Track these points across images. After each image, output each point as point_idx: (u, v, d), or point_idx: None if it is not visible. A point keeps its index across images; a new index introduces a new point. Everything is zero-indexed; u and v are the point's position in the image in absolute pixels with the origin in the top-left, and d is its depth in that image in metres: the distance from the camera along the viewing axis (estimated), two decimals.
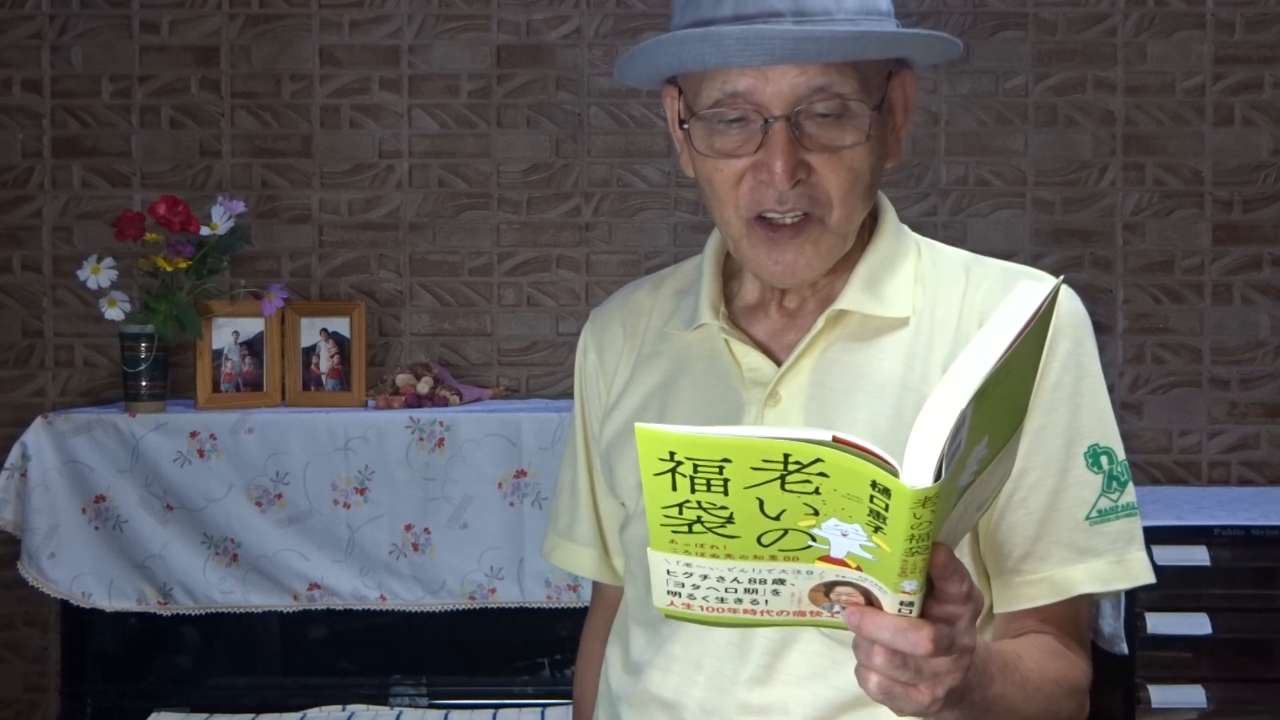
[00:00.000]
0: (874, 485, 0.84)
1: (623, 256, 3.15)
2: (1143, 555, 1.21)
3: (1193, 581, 2.61)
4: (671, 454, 0.86)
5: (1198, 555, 2.59)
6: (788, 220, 1.18)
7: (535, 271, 3.15)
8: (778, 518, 0.88)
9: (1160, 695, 2.61)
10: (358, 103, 3.13)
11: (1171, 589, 2.57)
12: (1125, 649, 2.55)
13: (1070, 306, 1.22)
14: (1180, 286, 3.14)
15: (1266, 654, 2.67)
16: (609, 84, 3.13)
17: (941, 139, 3.13)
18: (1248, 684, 2.66)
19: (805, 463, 0.84)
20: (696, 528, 0.90)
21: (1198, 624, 2.60)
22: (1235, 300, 3.13)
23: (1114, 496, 1.21)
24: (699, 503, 0.88)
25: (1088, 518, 1.20)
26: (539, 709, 2.62)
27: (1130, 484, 1.23)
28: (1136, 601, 2.59)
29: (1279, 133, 3.13)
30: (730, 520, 0.89)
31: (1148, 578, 1.21)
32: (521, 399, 3.09)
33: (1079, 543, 1.20)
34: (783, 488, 0.86)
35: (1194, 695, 2.61)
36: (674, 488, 0.87)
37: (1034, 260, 3.06)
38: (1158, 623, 2.61)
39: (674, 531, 0.90)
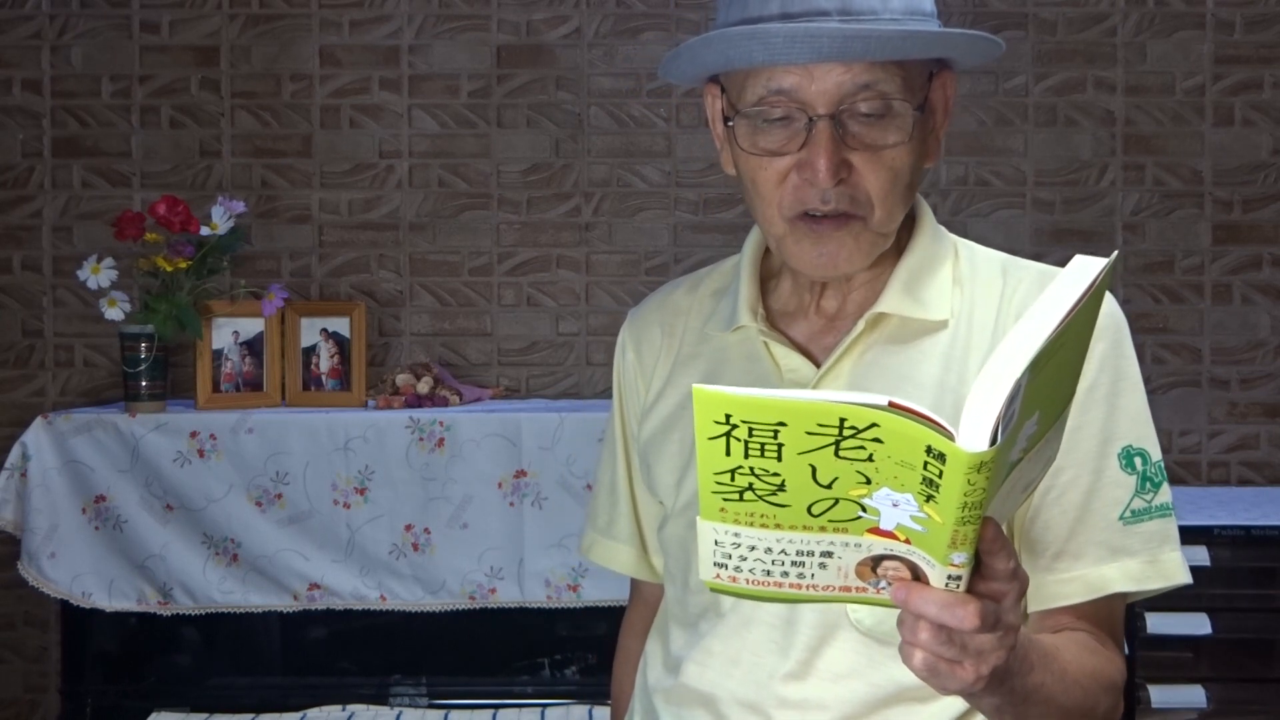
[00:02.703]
0: (929, 451, 0.84)
1: (623, 256, 3.15)
2: (1177, 556, 1.22)
3: (1193, 581, 2.61)
4: (728, 417, 0.86)
5: (1198, 555, 2.59)
6: (831, 212, 1.19)
7: (535, 271, 3.15)
8: (829, 486, 0.88)
9: (1160, 695, 2.61)
10: (358, 103, 3.13)
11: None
12: (1125, 649, 2.55)
13: (1107, 309, 1.22)
14: (1180, 286, 3.14)
15: (1266, 654, 2.67)
16: (609, 84, 3.13)
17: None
18: (1248, 684, 2.66)
19: (861, 428, 0.84)
20: (747, 495, 0.89)
21: (1198, 624, 2.60)
22: (1235, 300, 3.13)
23: (1148, 497, 1.22)
24: (751, 469, 0.88)
25: (1121, 518, 1.21)
26: (539, 709, 2.62)
27: (1165, 485, 1.23)
28: (1137, 601, 2.59)
29: (1279, 133, 3.13)
30: (782, 488, 0.89)
31: (1183, 578, 1.22)
32: (521, 399, 3.09)
33: (1113, 542, 1.21)
34: (836, 454, 0.86)
35: (1194, 695, 2.61)
36: (728, 452, 0.87)
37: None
38: (1158, 623, 2.61)
39: (725, 499, 0.90)
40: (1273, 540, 2.62)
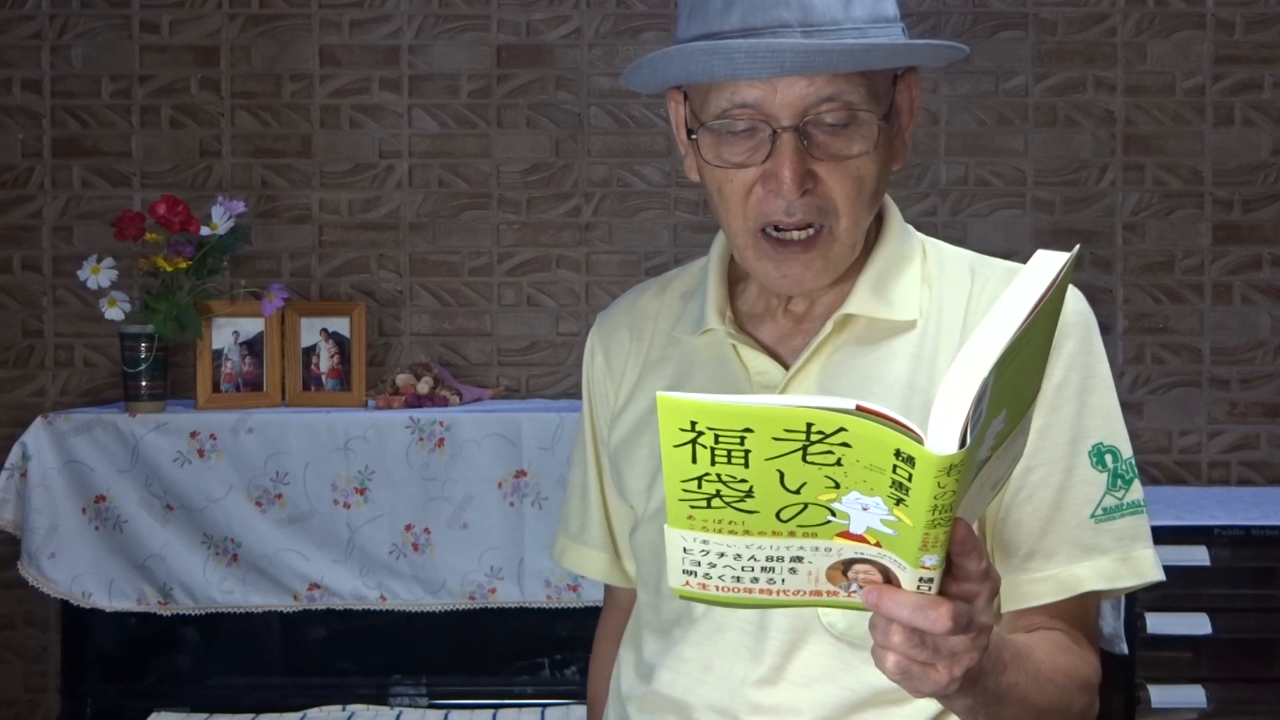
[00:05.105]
0: (898, 454, 0.83)
1: (623, 256, 3.15)
2: (1150, 553, 1.21)
3: (1193, 581, 2.61)
4: (693, 424, 0.84)
5: (1198, 555, 2.59)
6: (795, 236, 1.19)
7: (535, 271, 3.15)
8: (798, 491, 0.87)
9: (1160, 695, 2.61)
10: (358, 103, 3.13)
11: (1171, 589, 2.55)
12: (1125, 649, 2.55)
13: (1076, 306, 1.22)
14: (1180, 286, 3.14)
15: (1266, 654, 2.67)
16: (609, 84, 3.13)
17: (941, 139, 3.13)
18: (1248, 684, 2.66)
19: (828, 432, 0.83)
20: (715, 502, 0.88)
21: (1198, 624, 2.60)
22: (1235, 300, 3.13)
23: (1119, 494, 1.21)
24: (719, 475, 0.87)
25: (1093, 515, 1.20)
26: (539, 709, 2.62)
27: (1137, 482, 1.23)
28: (1136, 601, 2.59)
29: (1279, 133, 3.13)
30: (750, 494, 0.87)
31: (1155, 575, 1.21)
32: (521, 399, 3.09)
33: (1084, 540, 1.20)
34: (804, 459, 0.85)
35: (1194, 695, 2.61)
36: (694, 460, 0.86)
37: None
38: (1158, 623, 2.61)
39: (692, 506, 0.89)
40: (1273, 540, 2.62)
